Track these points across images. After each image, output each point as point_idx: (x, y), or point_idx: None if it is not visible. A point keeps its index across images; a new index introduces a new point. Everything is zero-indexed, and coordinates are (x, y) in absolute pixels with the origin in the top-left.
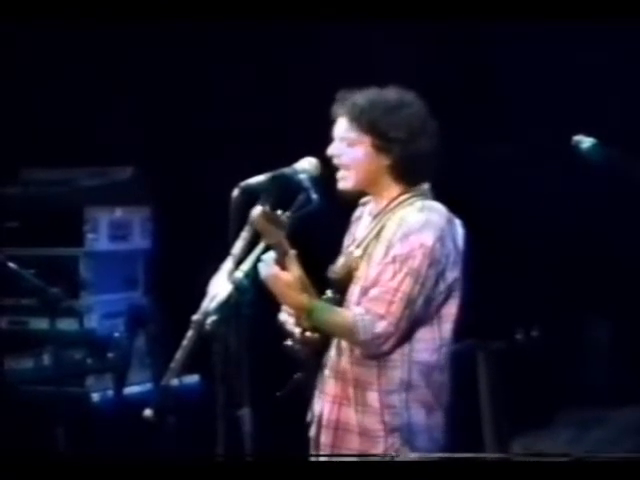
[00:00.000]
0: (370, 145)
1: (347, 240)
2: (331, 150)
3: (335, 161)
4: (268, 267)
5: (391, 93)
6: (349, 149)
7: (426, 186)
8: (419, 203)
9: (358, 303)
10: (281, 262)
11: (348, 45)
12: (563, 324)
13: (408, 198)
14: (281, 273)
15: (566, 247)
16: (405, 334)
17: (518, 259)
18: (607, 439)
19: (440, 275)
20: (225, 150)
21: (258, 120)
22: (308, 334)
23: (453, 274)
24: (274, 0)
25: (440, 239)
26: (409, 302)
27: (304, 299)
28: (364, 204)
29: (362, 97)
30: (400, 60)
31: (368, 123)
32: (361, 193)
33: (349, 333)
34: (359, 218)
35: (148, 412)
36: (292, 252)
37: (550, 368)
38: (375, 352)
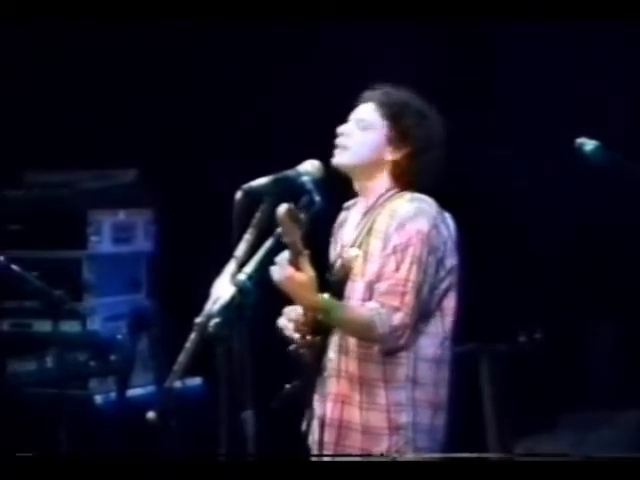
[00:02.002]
0: (384, 134)
1: (333, 246)
2: (342, 128)
3: (340, 140)
4: (283, 269)
5: (420, 101)
6: (361, 132)
7: None
8: (408, 195)
9: (364, 299)
10: (295, 262)
11: (350, 46)
12: (566, 326)
13: (396, 192)
14: (296, 274)
15: (569, 249)
16: (414, 327)
17: (521, 262)
18: (610, 441)
19: (440, 262)
20: (228, 152)
21: (261, 122)
22: (309, 337)
23: (451, 261)
24: (277, 1)
25: (435, 226)
26: (417, 291)
27: (320, 299)
28: (347, 208)
29: (396, 91)
30: (400, 61)
31: (395, 112)
32: (349, 193)
33: (367, 329)
34: (344, 221)
35: (151, 414)
36: (306, 252)
37: (553, 370)
38: (393, 345)
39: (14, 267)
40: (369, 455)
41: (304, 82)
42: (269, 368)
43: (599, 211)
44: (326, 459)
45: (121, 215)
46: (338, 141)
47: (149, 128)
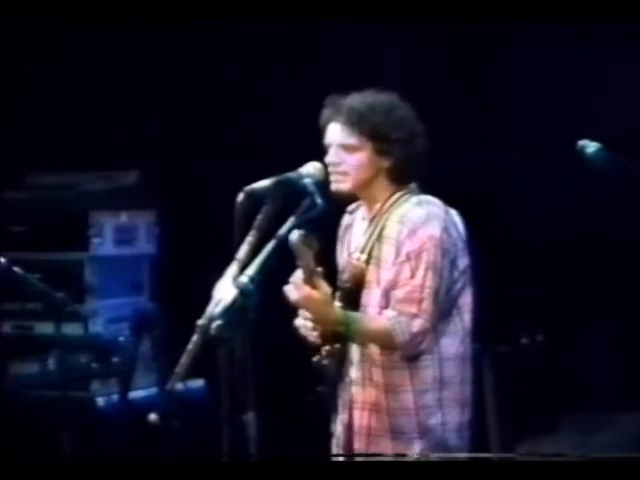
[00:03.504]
0: (371, 150)
1: (340, 249)
2: (330, 158)
3: (333, 169)
4: (299, 289)
5: (382, 95)
6: (350, 156)
7: (413, 185)
8: (414, 198)
9: (380, 306)
10: (309, 281)
11: (350, 46)
12: (568, 328)
13: (401, 196)
14: (313, 292)
15: (570, 251)
16: (434, 329)
17: (523, 264)
18: (612, 443)
19: (452, 264)
20: (230, 154)
21: (263, 124)
22: (329, 347)
23: (463, 262)
24: (281, 3)
25: (445, 229)
26: (434, 296)
27: (339, 314)
28: (352, 212)
29: (358, 101)
30: (400, 61)
31: (371, 128)
32: (354, 195)
33: (387, 338)
34: (350, 226)
35: (153, 416)
36: (319, 270)
37: (555, 372)
38: (414, 352)
39: (16, 269)
40: (368, 455)
41: (306, 83)
42: (271, 370)
43: (601, 213)
44: (328, 460)
45: (123, 217)
46: (333, 170)
47: (151, 130)
